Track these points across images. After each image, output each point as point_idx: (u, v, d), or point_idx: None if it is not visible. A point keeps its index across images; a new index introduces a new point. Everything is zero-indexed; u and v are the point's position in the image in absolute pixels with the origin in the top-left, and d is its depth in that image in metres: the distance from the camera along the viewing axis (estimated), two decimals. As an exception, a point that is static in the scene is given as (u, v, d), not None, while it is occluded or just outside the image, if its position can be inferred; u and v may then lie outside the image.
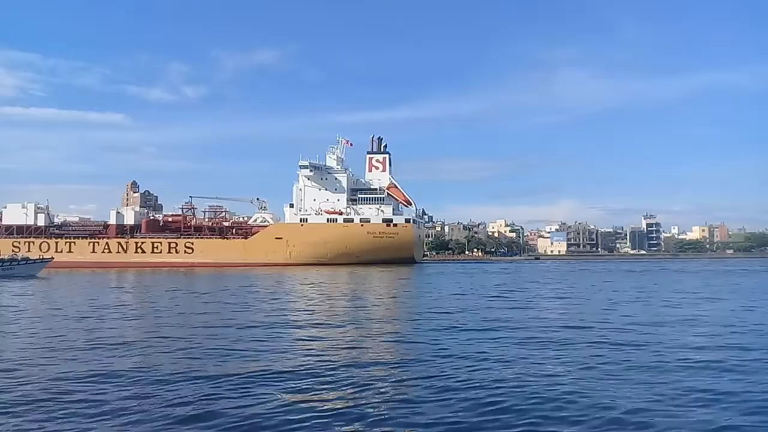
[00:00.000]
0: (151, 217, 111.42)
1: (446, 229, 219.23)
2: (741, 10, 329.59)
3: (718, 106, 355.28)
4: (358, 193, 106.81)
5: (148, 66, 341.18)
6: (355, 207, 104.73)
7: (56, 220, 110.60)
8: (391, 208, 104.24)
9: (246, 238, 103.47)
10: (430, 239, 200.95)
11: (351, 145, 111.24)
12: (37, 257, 73.53)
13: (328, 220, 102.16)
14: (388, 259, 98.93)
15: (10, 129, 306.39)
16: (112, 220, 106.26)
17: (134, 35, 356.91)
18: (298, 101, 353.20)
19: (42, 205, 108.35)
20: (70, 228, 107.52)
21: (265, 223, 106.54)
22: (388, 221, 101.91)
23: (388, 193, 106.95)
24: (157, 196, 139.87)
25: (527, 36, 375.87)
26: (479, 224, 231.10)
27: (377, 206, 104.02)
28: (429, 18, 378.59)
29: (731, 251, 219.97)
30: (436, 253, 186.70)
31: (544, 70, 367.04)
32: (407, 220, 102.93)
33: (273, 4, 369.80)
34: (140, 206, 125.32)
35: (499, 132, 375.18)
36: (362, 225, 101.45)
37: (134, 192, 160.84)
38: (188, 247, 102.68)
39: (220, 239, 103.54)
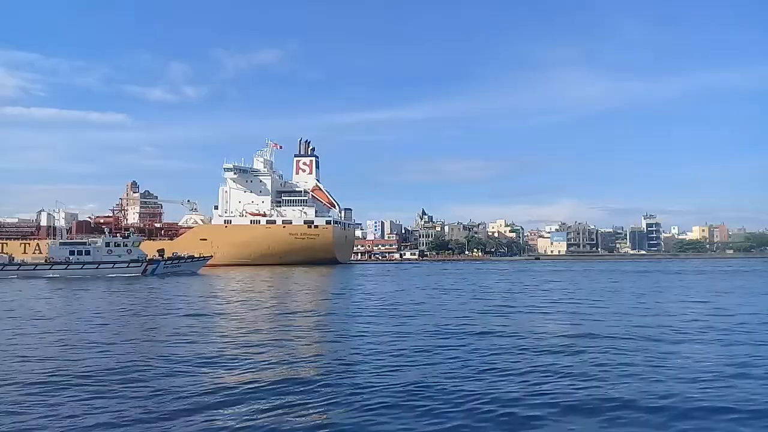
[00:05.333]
0: (87, 218, 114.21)
1: (446, 229, 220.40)
2: (741, 10, 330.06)
3: (717, 106, 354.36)
4: (282, 195, 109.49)
5: (148, 66, 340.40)
6: (279, 209, 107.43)
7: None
8: (314, 210, 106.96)
9: (173, 239, 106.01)
10: (430, 239, 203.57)
11: (280, 148, 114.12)
12: (198, 255, 76.81)
13: (251, 222, 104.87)
14: (310, 259, 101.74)
15: (11, 129, 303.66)
16: (44, 222, 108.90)
17: (135, 35, 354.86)
18: (298, 101, 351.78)
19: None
20: (3, 229, 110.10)
21: (194, 225, 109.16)
22: (309, 223, 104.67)
23: (312, 196, 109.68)
24: (157, 196, 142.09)
25: (527, 36, 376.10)
26: (479, 224, 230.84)
27: (300, 208, 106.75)
28: (429, 18, 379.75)
29: (731, 251, 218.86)
30: (436, 253, 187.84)
31: (544, 70, 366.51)
32: (327, 222, 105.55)
33: (273, 4, 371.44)
34: (140, 206, 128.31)
35: (499, 132, 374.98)
36: (284, 226, 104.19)
37: (134, 192, 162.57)
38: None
39: (148, 241, 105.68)
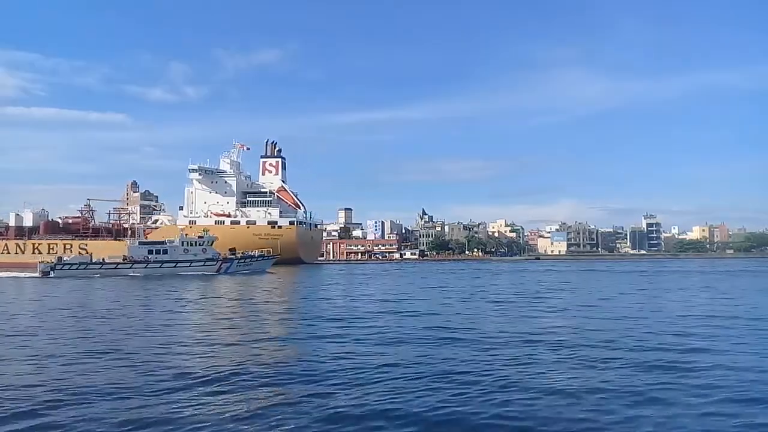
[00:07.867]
0: (56, 219, 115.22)
1: (446, 229, 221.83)
2: (741, 10, 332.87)
3: (717, 106, 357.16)
4: (248, 195, 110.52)
5: (148, 66, 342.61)
6: (243, 209, 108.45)
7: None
8: (278, 211, 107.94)
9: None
10: (431, 239, 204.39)
11: (248, 149, 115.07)
12: (268, 254, 78.80)
13: (216, 222, 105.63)
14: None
15: (11, 129, 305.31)
16: (12, 222, 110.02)
17: (135, 35, 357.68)
18: (298, 101, 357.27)
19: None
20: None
21: (161, 225, 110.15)
22: (273, 223, 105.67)
23: (277, 197, 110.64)
24: (157, 196, 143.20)
25: (527, 36, 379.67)
26: (479, 224, 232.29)
27: (264, 209, 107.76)
28: (430, 18, 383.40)
29: (731, 251, 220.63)
30: (437, 253, 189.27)
31: (544, 70, 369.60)
32: (291, 222, 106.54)
33: (273, 4, 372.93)
34: (141, 206, 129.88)
35: (499, 132, 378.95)
36: (248, 227, 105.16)
37: (134, 192, 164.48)
38: (82, 248, 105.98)
39: (113, 241, 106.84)
